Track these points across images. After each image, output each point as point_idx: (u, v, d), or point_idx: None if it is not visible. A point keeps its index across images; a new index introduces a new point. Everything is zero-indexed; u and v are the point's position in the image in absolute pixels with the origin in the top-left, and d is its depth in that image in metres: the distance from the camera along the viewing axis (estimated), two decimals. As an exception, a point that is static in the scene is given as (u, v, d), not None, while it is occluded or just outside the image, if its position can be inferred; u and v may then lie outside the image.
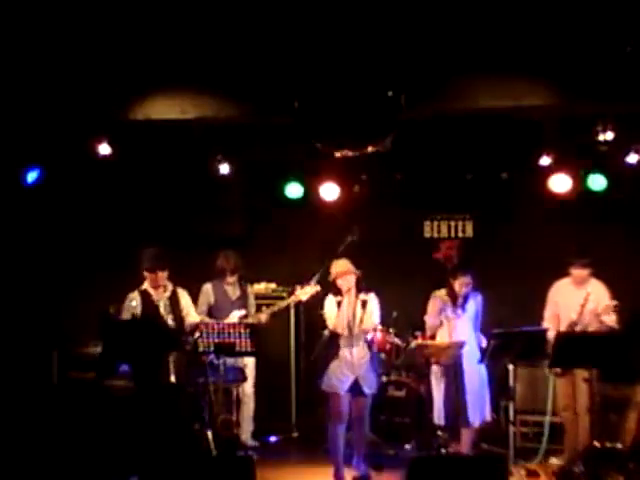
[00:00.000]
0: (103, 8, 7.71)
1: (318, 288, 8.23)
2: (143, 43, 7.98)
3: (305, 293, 8.27)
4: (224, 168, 9.24)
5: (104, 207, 9.77)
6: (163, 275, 7.90)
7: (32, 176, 8.79)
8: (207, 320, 8.20)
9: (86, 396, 8.11)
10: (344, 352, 7.52)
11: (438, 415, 7.68)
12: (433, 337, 7.93)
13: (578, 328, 7.58)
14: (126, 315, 7.84)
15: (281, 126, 8.26)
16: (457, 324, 7.73)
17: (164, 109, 8.30)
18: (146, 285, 7.95)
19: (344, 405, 7.50)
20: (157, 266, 7.87)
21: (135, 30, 7.89)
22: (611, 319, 7.62)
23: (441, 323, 7.77)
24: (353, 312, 7.54)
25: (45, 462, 7.52)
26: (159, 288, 7.91)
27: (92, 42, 7.94)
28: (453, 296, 7.79)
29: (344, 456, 7.64)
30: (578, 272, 7.78)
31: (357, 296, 7.59)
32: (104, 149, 8.55)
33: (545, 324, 7.86)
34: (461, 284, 7.75)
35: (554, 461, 7.93)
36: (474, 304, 7.83)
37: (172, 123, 8.37)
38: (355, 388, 7.52)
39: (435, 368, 7.70)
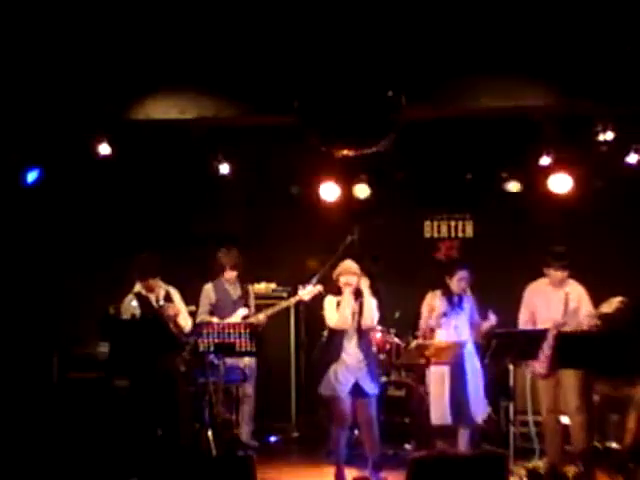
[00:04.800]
0: (103, 8, 7.72)
1: (320, 288, 8.23)
2: (143, 43, 7.98)
3: (307, 293, 8.28)
4: (224, 168, 9.24)
5: (104, 207, 9.77)
6: (155, 281, 7.94)
7: (32, 176, 8.79)
8: (208, 319, 8.21)
9: (87, 396, 8.12)
10: (343, 355, 7.44)
11: (438, 415, 7.68)
12: (427, 338, 7.92)
13: (566, 329, 7.55)
14: (126, 315, 7.84)
15: (281, 126, 8.26)
16: (456, 324, 7.75)
17: (164, 109, 8.30)
18: (139, 288, 7.97)
19: (346, 408, 7.42)
20: (148, 273, 7.90)
21: (135, 30, 7.90)
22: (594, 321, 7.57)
23: (438, 324, 7.78)
24: (353, 308, 7.49)
25: (45, 463, 7.52)
26: (153, 292, 7.94)
27: (92, 42, 7.95)
28: (449, 295, 7.80)
29: (346, 457, 7.62)
30: (557, 274, 7.72)
31: (356, 297, 7.54)
32: (104, 149, 8.55)
33: (521, 326, 7.81)
34: (459, 279, 7.76)
35: (538, 463, 7.89)
36: (468, 304, 7.86)
37: (172, 123, 8.38)
38: (356, 390, 7.46)
39: (433, 369, 7.69)
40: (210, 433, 7.67)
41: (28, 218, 9.29)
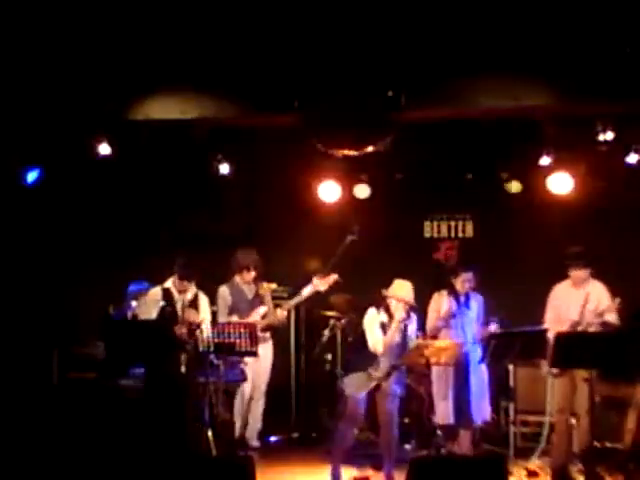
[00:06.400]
0: (103, 8, 7.72)
1: (337, 277, 8.21)
2: (143, 43, 7.99)
3: (324, 283, 8.25)
4: (224, 168, 9.23)
5: (104, 207, 9.77)
6: (189, 284, 8.06)
7: (32, 176, 8.80)
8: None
9: (87, 396, 8.11)
10: (371, 370, 7.36)
11: (442, 415, 7.69)
12: (434, 337, 7.94)
13: (580, 328, 7.56)
14: (150, 310, 7.92)
15: (281, 126, 8.26)
16: (463, 323, 7.76)
17: (164, 109, 8.30)
18: (170, 284, 8.00)
19: (360, 408, 7.41)
20: (191, 276, 8.05)
21: (135, 30, 7.90)
22: (613, 317, 7.59)
23: (446, 324, 7.80)
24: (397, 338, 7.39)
25: (45, 463, 7.51)
26: (182, 293, 7.99)
27: (92, 42, 7.95)
28: (455, 295, 7.82)
29: (347, 456, 7.62)
30: (577, 273, 7.75)
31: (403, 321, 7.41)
32: (104, 149, 8.56)
33: (546, 326, 7.82)
34: (463, 281, 7.80)
35: (538, 463, 7.88)
36: (476, 303, 7.88)
37: (172, 123, 8.37)
38: (376, 387, 7.42)
39: (438, 368, 7.71)
40: (210, 433, 7.67)
41: (28, 218, 9.29)
